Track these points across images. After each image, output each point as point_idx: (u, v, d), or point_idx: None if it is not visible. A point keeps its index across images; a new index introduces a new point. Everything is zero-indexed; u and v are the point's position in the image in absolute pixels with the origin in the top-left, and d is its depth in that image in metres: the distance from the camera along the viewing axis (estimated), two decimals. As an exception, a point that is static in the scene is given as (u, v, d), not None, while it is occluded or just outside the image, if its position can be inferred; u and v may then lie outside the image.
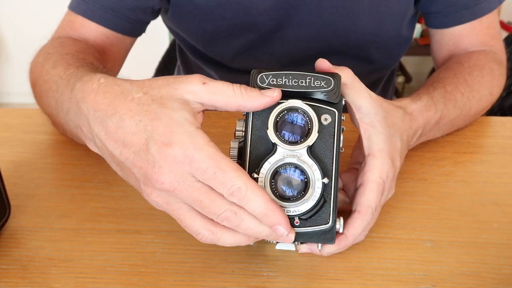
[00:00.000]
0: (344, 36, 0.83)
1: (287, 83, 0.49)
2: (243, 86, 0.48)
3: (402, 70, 2.63)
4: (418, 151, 0.68)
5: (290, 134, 0.49)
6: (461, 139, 0.73)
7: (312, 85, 0.49)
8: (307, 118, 0.48)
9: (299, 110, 0.49)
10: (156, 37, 1.75)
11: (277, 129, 0.48)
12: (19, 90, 2.71)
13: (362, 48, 0.86)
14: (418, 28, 2.60)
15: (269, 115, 0.49)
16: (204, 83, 0.46)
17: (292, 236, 0.47)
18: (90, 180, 0.64)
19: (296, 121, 0.49)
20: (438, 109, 0.66)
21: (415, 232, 0.58)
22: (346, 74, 0.51)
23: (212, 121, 0.76)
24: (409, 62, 2.68)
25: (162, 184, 0.44)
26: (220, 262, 0.54)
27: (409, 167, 0.67)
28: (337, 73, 0.50)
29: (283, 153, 0.48)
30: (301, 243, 0.52)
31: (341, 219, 0.50)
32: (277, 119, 0.49)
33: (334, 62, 0.53)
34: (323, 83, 0.49)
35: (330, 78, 0.49)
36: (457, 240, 0.57)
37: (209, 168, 0.43)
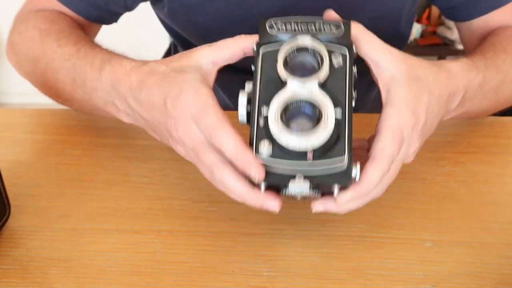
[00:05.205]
0: None
1: (295, 28, 0.50)
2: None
3: (402, 70, 2.63)
4: (418, 151, 0.68)
5: (301, 73, 0.47)
6: (461, 139, 0.73)
7: (321, 29, 0.50)
8: (319, 57, 0.48)
9: (309, 50, 0.48)
10: (156, 37, 1.75)
11: (287, 67, 0.48)
12: (19, 90, 2.72)
13: None
14: (418, 28, 2.60)
15: (278, 54, 0.48)
16: (210, 45, 0.55)
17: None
18: (90, 180, 0.64)
19: (306, 61, 0.48)
20: (479, 70, 0.61)
21: (415, 232, 0.58)
22: (356, 28, 0.51)
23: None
24: (409, 62, 2.67)
25: (176, 132, 0.52)
26: (220, 262, 0.54)
27: (409, 167, 0.66)
28: (346, 20, 0.50)
29: (294, 90, 0.47)
30: (315, 188, 0.47)
31: (358, 164, 0.47)
32: (287, 59, 0.48)
33: None
34: (333, 28, 0.50)
35: (340, 24, 0.50)
36: (457, 240, 0.57)
37: (196, 108, 0.50)
